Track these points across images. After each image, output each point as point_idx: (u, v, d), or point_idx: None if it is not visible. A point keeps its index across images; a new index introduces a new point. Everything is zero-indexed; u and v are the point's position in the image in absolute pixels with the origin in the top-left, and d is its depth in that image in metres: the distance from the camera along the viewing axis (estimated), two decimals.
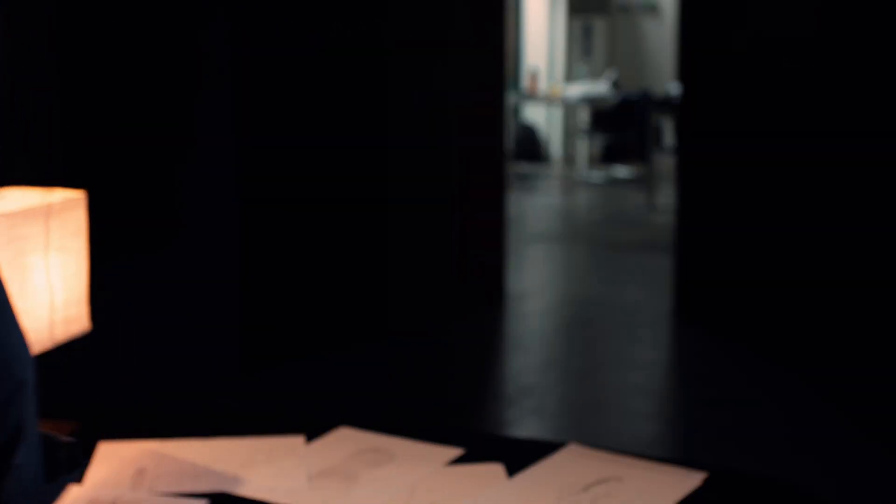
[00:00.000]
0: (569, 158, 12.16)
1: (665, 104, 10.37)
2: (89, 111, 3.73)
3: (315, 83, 5.06)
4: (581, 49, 12.68)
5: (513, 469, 1.79)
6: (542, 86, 12.10)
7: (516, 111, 12.28)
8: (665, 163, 10.45)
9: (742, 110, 5.49)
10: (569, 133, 12.32)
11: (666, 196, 9.38)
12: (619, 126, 10.65)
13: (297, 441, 1.92)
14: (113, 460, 1.85)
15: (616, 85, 11.21)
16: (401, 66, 5.54)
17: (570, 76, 12.45)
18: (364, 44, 5.28)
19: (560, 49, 12.58)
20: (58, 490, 1.61)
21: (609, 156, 11.37)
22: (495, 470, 1.79)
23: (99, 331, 2.07)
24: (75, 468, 1.64)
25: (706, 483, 1.72)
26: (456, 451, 1.86)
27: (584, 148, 11.56)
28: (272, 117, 4.88)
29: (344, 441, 1.92)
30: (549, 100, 11.60)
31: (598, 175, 11.20)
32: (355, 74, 5.25)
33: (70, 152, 3.44)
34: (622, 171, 11.18)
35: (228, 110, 4.57)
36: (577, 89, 11.18)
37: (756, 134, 5.43)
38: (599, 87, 11.23)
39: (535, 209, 9.47)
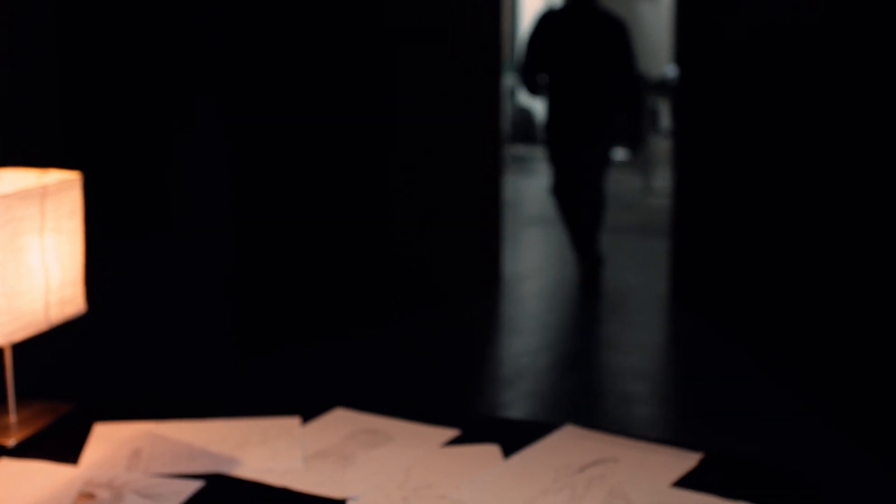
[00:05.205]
0: None
1: (662, 87, 10.36)
2: (88, 94, 3.72)
3: (311, 64, 5.04)
4: None
5: (508, 450, 1.79)
6: None
7: (512, 94, 12.26)
8: (661, 146, 10.44)
9: (739, 93, 5.49)
10: None
11: (662, 179, 9.38)
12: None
13: (292, 422, 1.92)
14: (108, 441, 1.85)
15: None
16: (400, 48, 5.53)
17: None
18: (365, 26, 5.27)
19: None
20: None
21: None
22: (491, 451, 1.79)
23: (94, 312, 2.07)
24: None
25: (702, 464, 1.72)
26: (452, 433, 1.86)
27: None
28: (267, 96, 4.87)
29: (340, 422, 1.92)
30: None
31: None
32: (353, 55, 5.24)
33: (68, 134, 3.43)
34: (618, 153, 11.16)
35: (222, 92, 4.56)
36: None
37: (753, 117, 5.43)
38: None
39: (532, 192, 9.46)
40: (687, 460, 1.73)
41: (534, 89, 6.42)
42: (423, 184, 5.81)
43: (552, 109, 6.35)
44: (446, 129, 5.94)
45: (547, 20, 6.30)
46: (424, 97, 5.75)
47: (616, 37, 6.19)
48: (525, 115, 12.23)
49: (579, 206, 6.38)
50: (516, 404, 4.52)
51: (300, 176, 5.06)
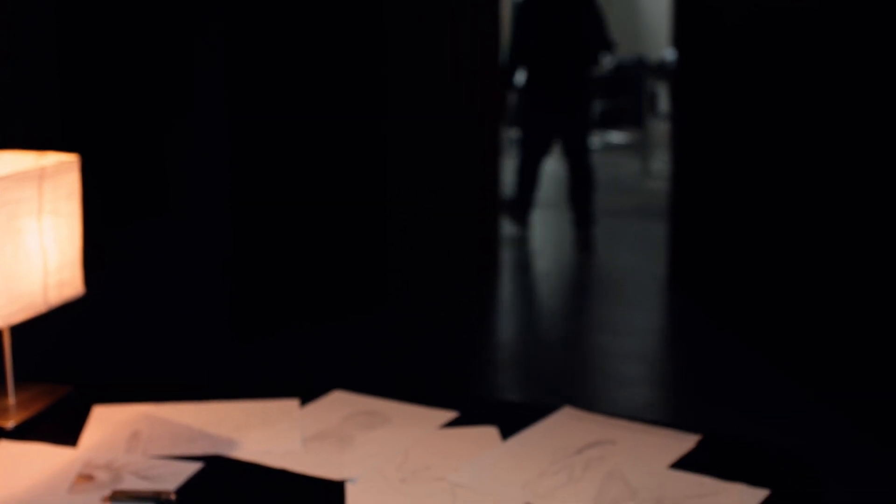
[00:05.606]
0: None
1: (660, 70, 10.34)
2: (87, 77, 3.71)
3: (311, 57, 5.03)
4: None
5: (507, 432, 1.79)
6: None
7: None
8: (660, 129, 10.43)
9: (738, 76, 5.48)
10: None
11: (660, 162, 9.37)
12: (614, 92, 10.62)
13: (291, 404, 1.92)
14: (107, 423, 1.85)
15: None
16: (399, 32, 5.51)
17: None
18: (363, 15, 5.26)
19: None
20: None
21: (604, 121, 11.34)
22: (489, 433, 1.79)
23: (92, 295, 2.07)
24: None
25: (699, 445, 1.73)
26: (450, 415, 1.86)
27: None
28: (266, 87, 4.86)
29: (338, 404, 1.92)
30: None
31: (592, 141, 11.17)
32: (354, 45, 5.22)
33: (66, 117, 3.43)
34: (617, 136, 11.15)
35: (221, 79, 4.55)
36: None
37: (752, 100, 5.42)
38: None
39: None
40: (685, 442, 1.74)
41: (514, 67, 6.93)
42: (421, 167, 5.80)
43: (530, 82, 6.85)
44: (445, 113, 5.93)
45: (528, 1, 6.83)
46: (424, 88, 5.74)
47: (586, 7, 6.73)
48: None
49: (541, 172, 7.16)
50: (514, 386, 4.53)
51: (299, 159, 5.05)
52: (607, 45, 6.91)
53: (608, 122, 11.24)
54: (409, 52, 5.61)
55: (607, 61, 8.92)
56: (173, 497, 1.56)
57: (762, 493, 1.56)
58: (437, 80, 5.82)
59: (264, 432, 1.81)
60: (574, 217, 6.92)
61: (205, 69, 4.41)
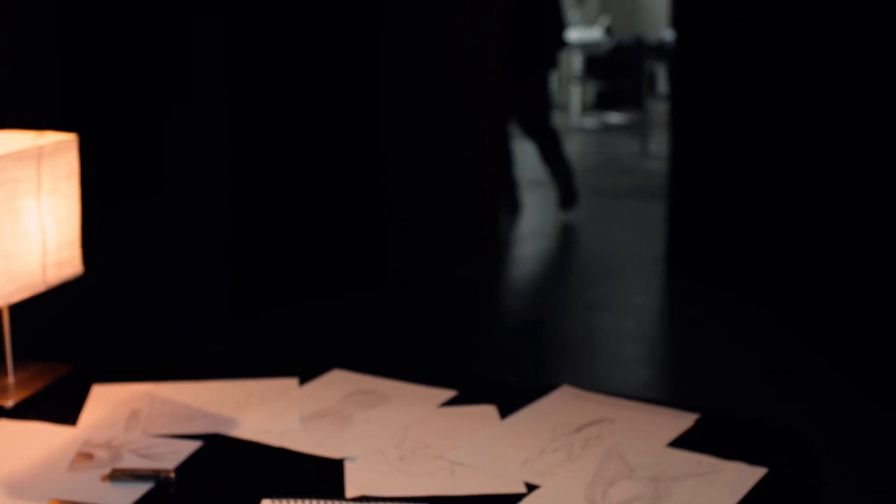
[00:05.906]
0: (562, 105, 12.11)
1: (659, 50, 10.32)
2: (86, 58, 3.70)
3: (311, 56, 5.01)
4: None
5: (505, 411, 1.79)
6: None
7: None
8: (659, 109, 10.41)
9: (736, 57, 5.47)
10: (562, 79, 12.26)
11: (659, 143, 9.36)
12: (612, 72, 10.61)
13: (290, 383, 1.92)
14: (107, 402, 1.85)
15: (609, 31, 11.13)
16: (399, 31, 5.50)
17: None
18: (363, 15, 5.24)
19: None
20: None
21: (602, 102, 11.33)
22: (488, 411, 1.80)
23: (91, 274, 2.07)
24: None
25: (698, 424, 1.73)
26: (449, 393, 1.87)
27: (577, 94, 11.51)
28: (266, 86, 4.84)
29: (337, 383, 1.93)
30: None
31: (591, 121, 11.16)
32: (354, 45, 5.20)
33: (65, 98, 3.42)
34: (615, 117, 11.14)
35: (221, 78, 4.53)
36: (571, 35, 11.10)
37: (750, 80, 5.41)
38: (593, 34, 11.16)
39: (529, 155, 9.43)
40: (683, 420, 1.74)
41: None
42: (421, 166, 5.79)
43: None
44: (445, 116, 5.92)
45: None
46: (423, 87, 5.72)
47: (549, 8, 7.31)
48: None
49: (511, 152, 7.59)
50: (513, 365, 4.54)
51: (299, 159, 5.04)
52: (561, 45, 7.57)
53: (607, 103, 11.23)
54: (409, 51, 5.59)
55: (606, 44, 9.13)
56: (172, 475, 1.57)
57: (760, 472, 1.57)
58: (436, 79, 5.81)
59: (263, 411, 1.81)
60: (550, 170, 7.33)
61: (205, 69, 4.40)
